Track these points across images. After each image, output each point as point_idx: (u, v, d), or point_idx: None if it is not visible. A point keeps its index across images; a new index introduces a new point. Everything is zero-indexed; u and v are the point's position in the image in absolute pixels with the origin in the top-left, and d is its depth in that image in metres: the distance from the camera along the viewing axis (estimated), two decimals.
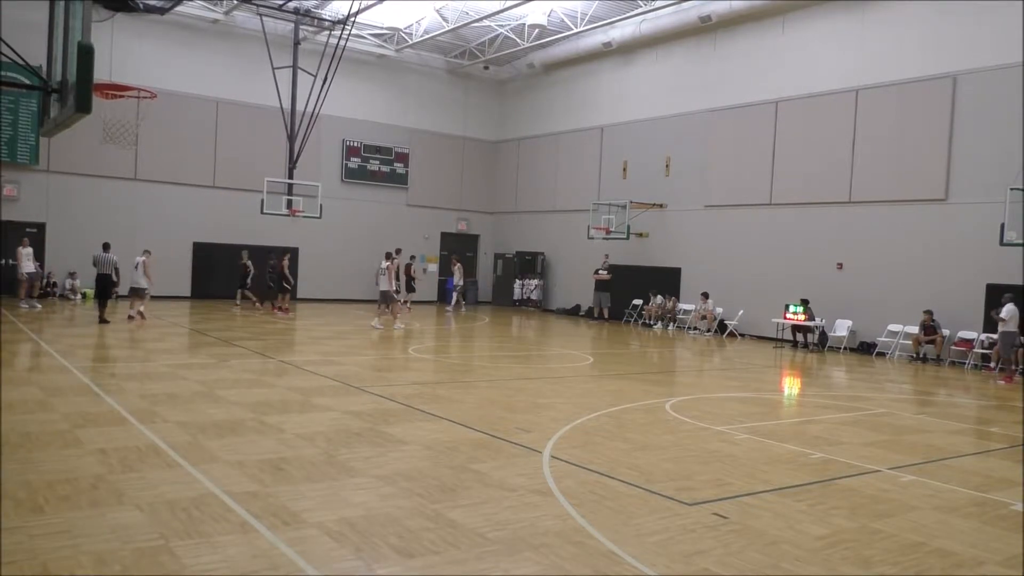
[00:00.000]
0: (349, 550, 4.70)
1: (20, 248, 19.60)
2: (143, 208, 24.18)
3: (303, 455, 6.81)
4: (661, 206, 24.12)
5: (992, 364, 15.76)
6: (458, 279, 26.93)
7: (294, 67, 24.45)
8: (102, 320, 17.23)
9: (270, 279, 22.42)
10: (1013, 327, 14.53)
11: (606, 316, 24.84)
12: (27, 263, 19.46)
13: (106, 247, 18.10)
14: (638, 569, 4.61)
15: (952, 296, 16.64)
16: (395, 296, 19.74)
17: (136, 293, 18.15)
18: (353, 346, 15.82)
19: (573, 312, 27.12)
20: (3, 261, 22.46)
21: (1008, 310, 14.45)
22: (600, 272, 24.92)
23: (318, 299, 25.33)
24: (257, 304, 22.84)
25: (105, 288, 17.65)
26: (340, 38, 22.56)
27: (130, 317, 17.87)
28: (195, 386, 9.99)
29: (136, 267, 18.22)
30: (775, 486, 6.54)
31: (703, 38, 23.00)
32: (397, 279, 20.50)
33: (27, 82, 8.71)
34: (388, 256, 19.65)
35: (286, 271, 22.24)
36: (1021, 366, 15.58)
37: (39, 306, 19.51)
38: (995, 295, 16.39)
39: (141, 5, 22.67)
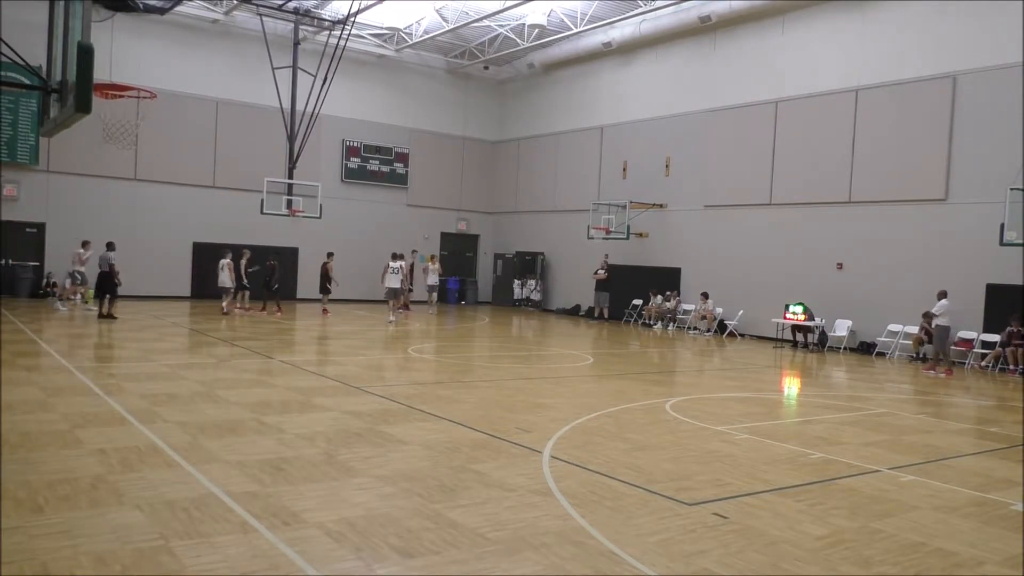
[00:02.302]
0: (349, 550, 4.70)
1: (82, 250, 19.54)
2: (143, 208, 24.18)
3: (303, 455, 6.81)
4: (661, 206, 24.12)
5: (918, 357, 16.41)
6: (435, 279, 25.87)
7: (294, 67, 24.46)
8: (100, 316, 17.53)
9: (264, 282, 22.12)
10: (946, 322, 15.24)
11: (605, 316, 24.86)
12: (80, 266, 19.53)
13: (109, 246, 18.22)
14: (638, 569, 4.61)
15: (952, 296, 16.60)
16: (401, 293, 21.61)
17: (224, 292, 20.57)
18: (353, 346, 15.82)
19: (573, 312, 27.12)
20: (3, 261, 22.47)
21: (941, 306, 15.14)
22: (599, 272, 24.95)
23: (318, 299, 25.24)
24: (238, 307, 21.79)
25: (103, 285, 17.80)
26: (340, 38, 22.57)
27: (224, 312, 20.31)
28: (195, 386, 9.99)
29: (221, 268, 20.49)
30: (775, 486, 6.54)
31: (703, 38, 23.00)
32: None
33: (27, 82, 8.71)
34: (397, 256, 21.47)
35: (331, 273, 22.51)
36: (1021, 366, 15.61)
37: (64, 309, 19.60)
38: (995, 295, 16.46)
39: (141, 5, 22.66)
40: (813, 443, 8.32)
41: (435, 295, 25.70)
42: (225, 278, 20.49)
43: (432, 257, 25.86)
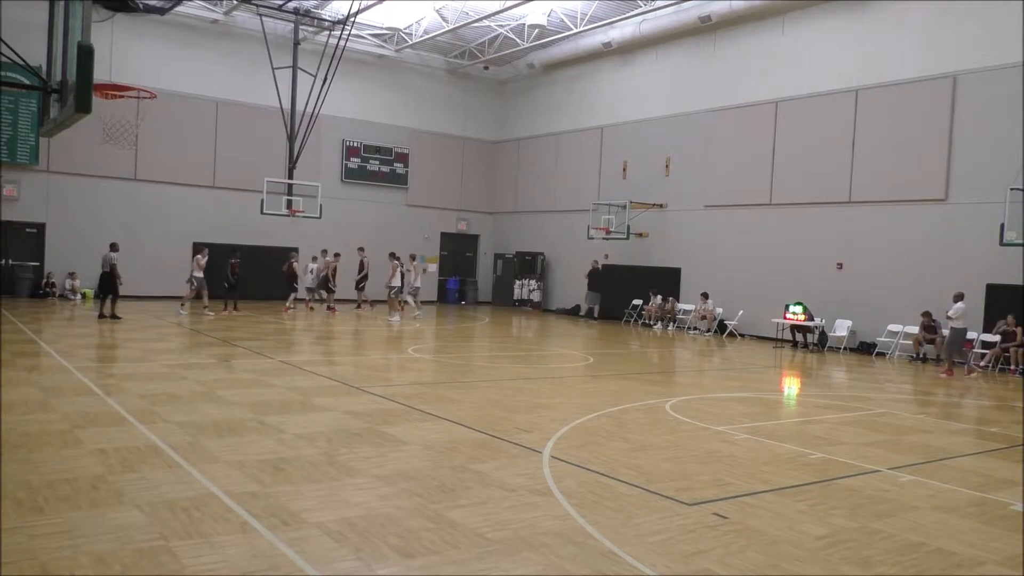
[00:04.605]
0: (349, 550, 4.70)
1: (200, 257, 19.91)
2: (143, 208, 24.19)
3: (303, 455, 6.80)
4: (661, 206, 24.13)
5: (942, 359, 16.18)
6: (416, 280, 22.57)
7: (294, 67, 24.46)
8: (101, 316, 17.58)
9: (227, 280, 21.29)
10: (962, 325, 15.03)
11: (595, 315, 25.08)
12: (198, 271, 19.87)
13: (112, 247, 18.15)
14: (638, 569, 4.61)
15: (952, 297, 16.63)
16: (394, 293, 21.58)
17: (328, 292, 22.72)
18: (353, 346, 15.82)
19: (573, 312, 27.11)
20: (3, 261, 22.48)
21: (957, 308, 14.89)
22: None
23: (318, 299, 25.29)
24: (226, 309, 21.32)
25: (104, 286, 17.84)
26: (340, 38, 22.58)
27: (329, 308, 22.53)
28: (195, 386, 9.99)
29: (321, 271, 22.78)
30: (775, 486, 6.54)
31: (703, 38, 23.00)
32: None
33: (27, 82, 8.72)
34: (393, 256, 21.61)
35: (332, 273, 22.78)
36: (1021, 366, 15.60)
37: (212, 314, 19.82)
38: (995, 295, 16.46)
39: (141, 5, 22.67)
40: (813, 443, 8.32)
41: (416, 299, 22.56)
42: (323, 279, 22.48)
43: (413, 257, 22.97)
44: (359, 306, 23.69)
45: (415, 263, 22.06)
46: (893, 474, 7.15)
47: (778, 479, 6.76)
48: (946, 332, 15.76)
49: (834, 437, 8.71)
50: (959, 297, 15.05)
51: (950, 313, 14.95)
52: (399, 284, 21.28)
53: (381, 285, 22.24)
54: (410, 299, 22.00)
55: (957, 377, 14.92)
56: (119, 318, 17.66)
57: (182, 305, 20.22)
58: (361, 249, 23.26)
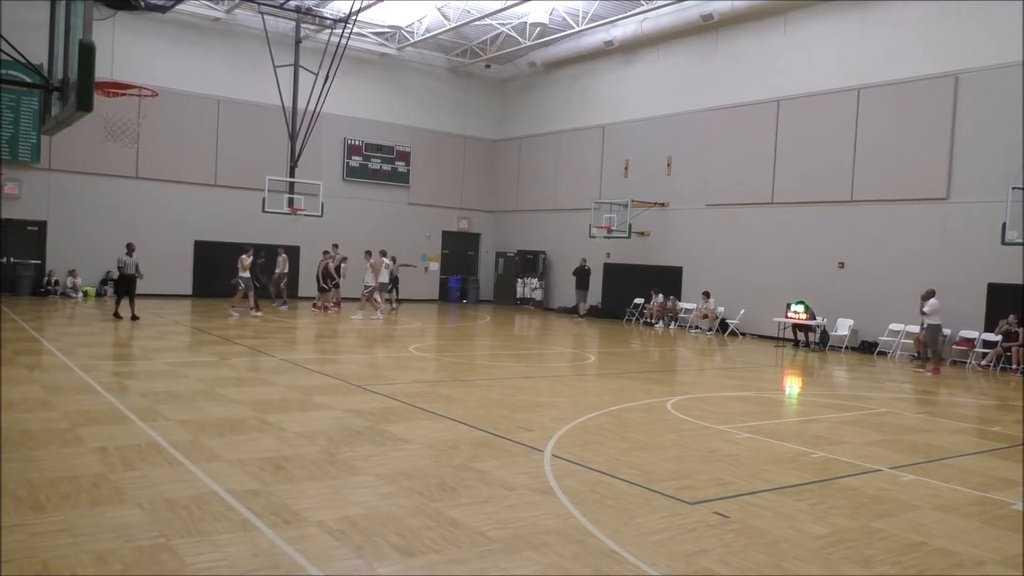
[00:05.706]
0: (350, 549, 4.70)
1: (245, 257, 19.95)
2: (144, 206, 24.19)
3: (304, 454, 6.81)
4: (662, 205, 24.12)
5: (920, 356, 16.25)
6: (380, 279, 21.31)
7: (295, 65, 24.46)
8: (116, 316, 17.63)
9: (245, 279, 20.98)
10: (937, 320, 15.17)
11: (582, 313, 25.28)
12: (244, 272, 19.91)
13: (128, 249, 17.75)
14: (639, 568, 4.61)
15: (953, 295, 16.63)
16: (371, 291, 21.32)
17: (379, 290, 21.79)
18: (354, 344, 15.82)
19: (574, 311, 27.10)
20: (4, 259, 22.49)
21: (932, 304, 15.02)
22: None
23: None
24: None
25: (126, 286, 17.75)
26: (341, 36, 22.59)
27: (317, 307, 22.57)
28: (196, 384, 9.99)
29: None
30: (776, 485, 6.53)
31: (705, 37, 22.98)
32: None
33: (28, 80, 8.73)
34: (368, 254, 21.59)
35: (328, 271, 22.70)
36: (1022, 366, 15.58)
37: (259, 313, 19.92)
38: (996, 294, 16.44)
39: (142, 3, 22.67)
40: (814, 442, 8.31)
41: (377, 295, 21.36)
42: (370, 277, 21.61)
43: (384, 253, 21.65)
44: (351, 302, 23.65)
45: (373, 260, 21.63)
46: (894, 473, 7.14)
47: (779, 478, 6.76)
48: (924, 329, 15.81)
49: (835, 436, 8.71)
50: (931, 294, 15.22)
51: (925, 309, 15.14)
52: (373, 283, 20.96)
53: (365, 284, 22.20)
54: (378, 297, 21.63)
55: (945, 376, 14.93)
56: (120, 317, 17.64)
57: (232, 307, 20.13)
58: (335, 246, 23.07)
